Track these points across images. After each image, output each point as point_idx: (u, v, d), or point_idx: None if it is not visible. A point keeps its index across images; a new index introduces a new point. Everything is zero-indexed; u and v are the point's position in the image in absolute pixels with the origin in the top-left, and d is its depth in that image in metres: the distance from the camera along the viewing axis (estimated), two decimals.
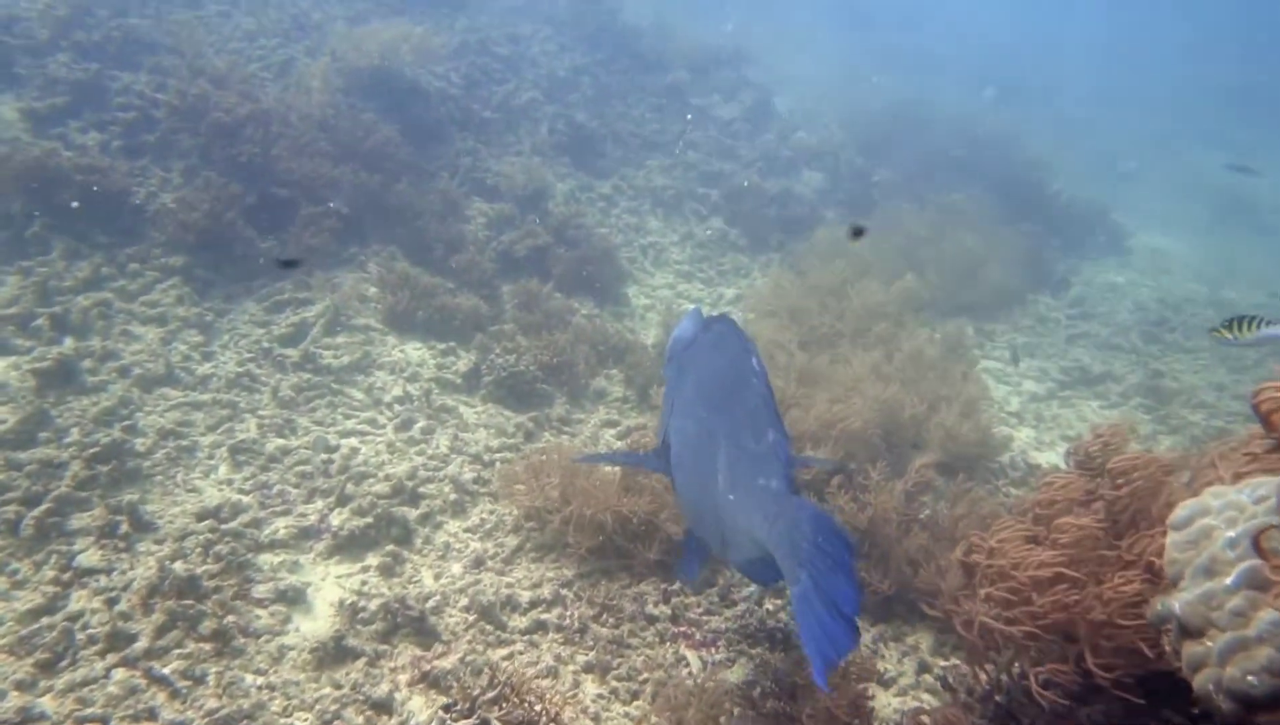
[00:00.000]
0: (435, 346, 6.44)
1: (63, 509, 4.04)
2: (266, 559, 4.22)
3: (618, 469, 4.60)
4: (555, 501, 4.53)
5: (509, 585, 4.26)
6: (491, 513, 4.87)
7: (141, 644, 3.42)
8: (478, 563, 4.46)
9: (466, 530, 4.76)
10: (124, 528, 3.98)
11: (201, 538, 4.06)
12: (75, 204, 5.86)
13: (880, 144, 12.94)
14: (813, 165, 11.53)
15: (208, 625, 3.54)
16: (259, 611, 3.86)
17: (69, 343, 5.23)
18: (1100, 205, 12.95)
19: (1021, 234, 10.52)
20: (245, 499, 4.56)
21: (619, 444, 5.70)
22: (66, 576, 3.74)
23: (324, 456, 4.99)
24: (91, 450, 4.33)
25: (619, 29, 12.83)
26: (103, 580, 3.76)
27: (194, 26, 8.41)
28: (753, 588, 4.40)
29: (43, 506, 3.94)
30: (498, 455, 5.36)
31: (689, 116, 11.76)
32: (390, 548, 4.41)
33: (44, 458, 4.26)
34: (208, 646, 3.50)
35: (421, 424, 5.47)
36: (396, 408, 5.61)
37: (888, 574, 4.37)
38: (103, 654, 3.37)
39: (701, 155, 11.22)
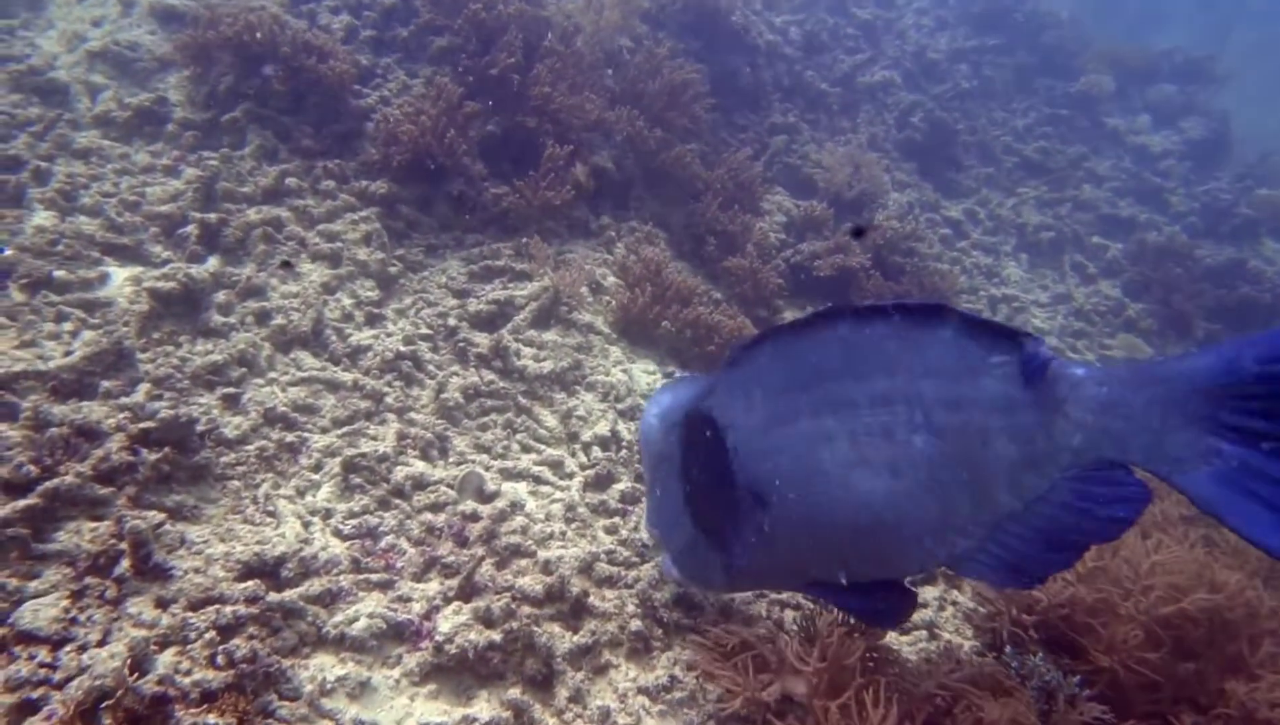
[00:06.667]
0: (672, 373, 4.87)
1: (54, 511, 2.83)
2: (320, 665, 2.82)
3: (940, 683, 2.68)
4: (802, 697, 2.69)
5: None
6: (692, 670, 3.13)
7: None
8: None
9: (643, 690, 3.06)
10: (124, 566, 2.75)
11: (226, 613, 2.72)
12: (280, 89, 4.97)
13: None
14: None
15: None
16: None
17: (211, 264, 4.27)
18: None
19: None
20: (335, 548, 3.23)
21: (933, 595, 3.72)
22: None
23: (470, 506, 3.56)
24: (145, 423, 3.17)
25: (1024, 13, 10.61)
26: (37, 661, 2.43)
27: None
28: None
29: (24, 501, 2.77)
30: None
31: None
32: (515, 693, 2.85)
33: (84, 421, 3.16)
34: None
35: (623, 486, 3.89)
36: (595, 453, 4.09)
37: None
38: None
39: (1105, 193, 8.76)
